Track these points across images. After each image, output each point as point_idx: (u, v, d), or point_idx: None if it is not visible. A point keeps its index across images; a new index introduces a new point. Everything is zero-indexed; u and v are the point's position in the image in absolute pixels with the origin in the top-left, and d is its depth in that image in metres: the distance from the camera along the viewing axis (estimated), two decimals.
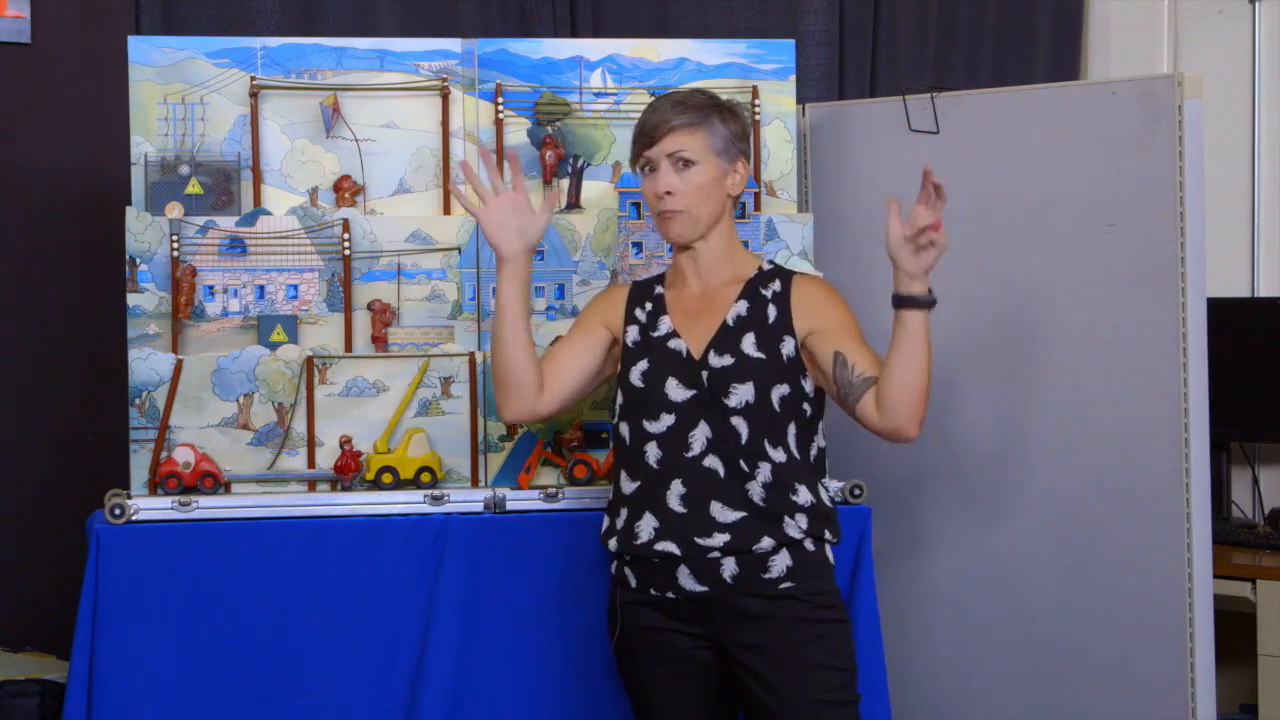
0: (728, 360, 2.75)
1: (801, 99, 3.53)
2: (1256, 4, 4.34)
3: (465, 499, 3.13)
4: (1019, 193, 3.32)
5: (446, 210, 3.24)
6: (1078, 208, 3.26)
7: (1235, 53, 4.36)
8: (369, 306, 3.20)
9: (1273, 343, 4.09)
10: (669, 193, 2.78)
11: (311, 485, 3.16)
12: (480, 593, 3.06)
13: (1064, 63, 4.49)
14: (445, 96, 3.25)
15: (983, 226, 3.35)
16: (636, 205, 3.27)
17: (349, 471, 3.13)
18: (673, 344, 2.80)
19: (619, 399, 2.84)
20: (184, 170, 3.17)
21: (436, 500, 3.12)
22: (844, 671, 2.74)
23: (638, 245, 3.27)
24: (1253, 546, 3.91)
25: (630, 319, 2.87)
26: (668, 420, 2.76)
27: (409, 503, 3.11)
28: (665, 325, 2.83)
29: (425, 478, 3.14)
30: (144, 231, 3.12)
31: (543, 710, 3.09)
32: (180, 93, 3.19)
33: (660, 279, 2.92)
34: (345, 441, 3.14)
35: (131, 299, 3.12)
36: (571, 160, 3.29)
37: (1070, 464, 3.27)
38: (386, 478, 3.12)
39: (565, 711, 3.10)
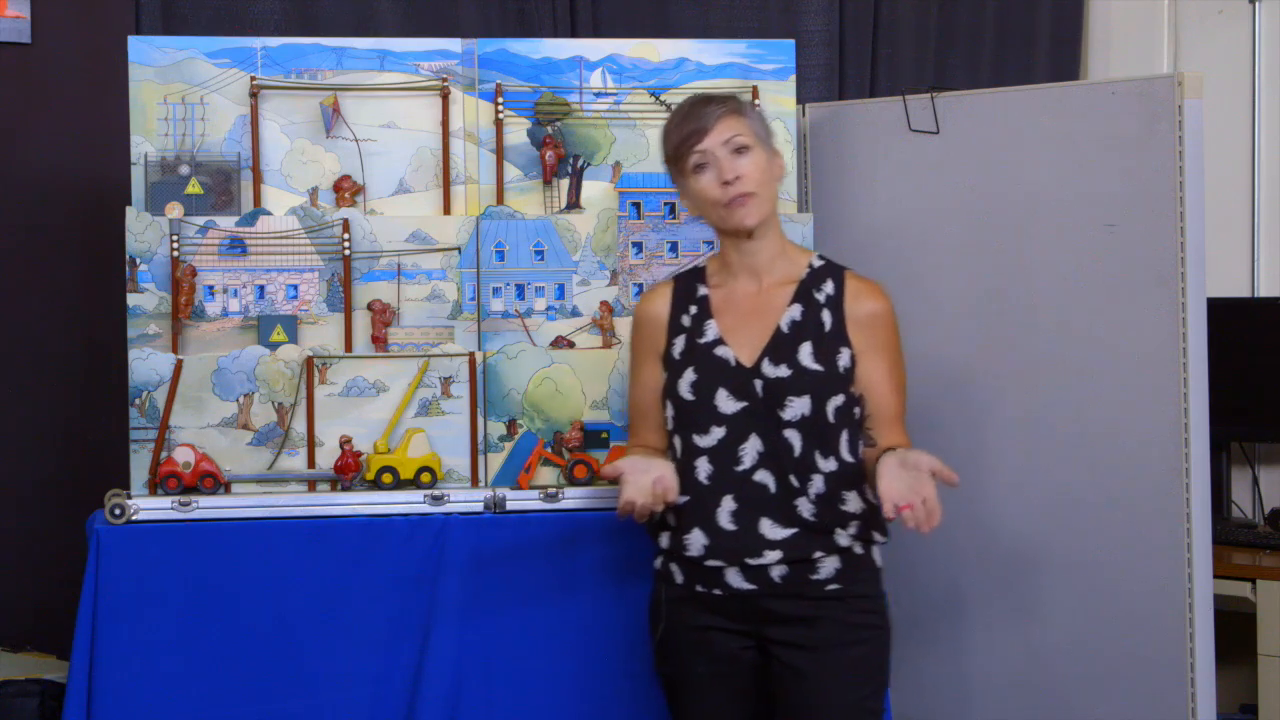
0: (784, 371, 2.70)
1: (801, 99, 3.53)
2: (1256, 4, 4.34)
3: (465, 499, 3.13)
4: (1019, 193, 3.32)
5: (447, 210, 3.24)
6: (1078, 208, 3.26)
7: (1235, 53, 4.36)
8: (369, 306, 3.20)
9: (1273, 343, 4.09)
10: (738, 177, 2.70)
11: (311, 485, 3.16)
12: (480, 593, 3.06)
13: (1064, 63, 4.49)
14: (445, 96, 3.25)
15: (983, 226, 3.35)
16: (637, 205, 3.27)
17: (349, 471, 3.13)
18: (719, 352, 2.74)
19: (669, 409, 2.78)
20: (184, 170, 3.17)
21: (436, 500, 3.12)
22: (880, 675, 2.75)
23: (638, 245, 3.27)
24: (1253, 546, 3.91)
25: (676, 328, 2.80)
26: (718, 433, 2.71)
27: (409, 503, 3.11)
28: (712, 331, 2.76)
29: (425, 478, 3.14)
30: (144, 231, 3.12)
31: (543, 710, 3.09)
32: (180, 93, 3.19)
33: (701, 275, 2.84)
34: (345, 441, 3.14)
35: (131, 299, 3.12)
36: (571, 160, 3.29)
37: (1070, 464, 3.27)
38: (386, 478, 3.12)
39: (565, 711, 3.10)
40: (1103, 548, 3.24)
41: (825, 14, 4.28)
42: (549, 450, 3.20)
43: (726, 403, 2.71)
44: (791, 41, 3.39)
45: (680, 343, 2.78)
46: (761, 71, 3.34)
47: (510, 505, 3.13)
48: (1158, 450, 3.17)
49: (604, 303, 3.26)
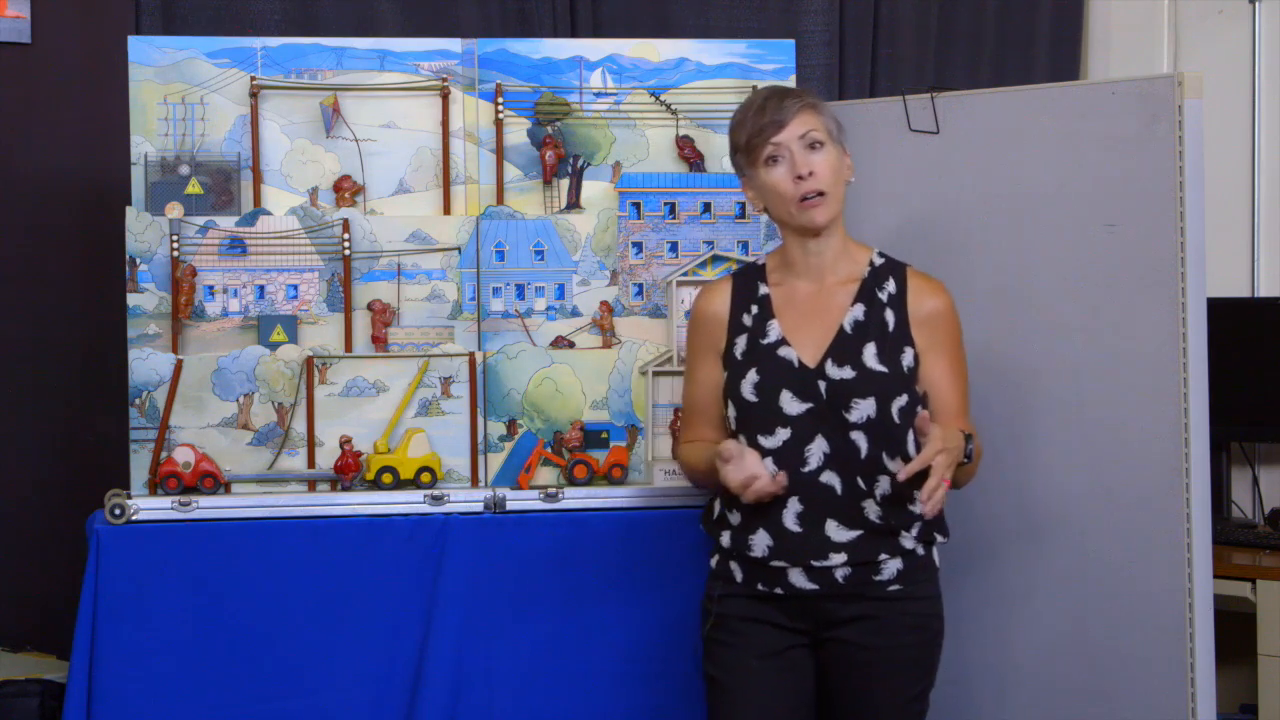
0: (848, 373, 2.69)
1: None
2: (1256, 4, 4.34)
3: (465, 499, 3.13)
4: (1019, 193, 3.32)
5: (446, 210, 3.24)
6: (1078, 208, 3.26)
7: (1235, 53, 4.36)
8: (369, 306, 3.20)
9: (1273, 343, 4.09)
10: (811, 173, 2.69)
11: (311, 485, 3.16)
12: (480, 593, 3.06)
13: (1064, 63, 4.49)
14: (445, 96, 3.25)
15: (983, 226, 3.35)
16: (637, 205, 3.27)
17: (349, 471, 3.13)
18: (782, 352, 2.73)
19: (730, 409, 2.76)
20: (184, 170, 3.18)
21: (436, 500, 3.12)
22: (931, 675, 2.76)
23: (638, 245, 3.27)
24: (1253, 546, 3.91)
25: (737, 327, 2.78)
26: (783, 435, 2.70)
27: (409, 503, 3.11)
28: (774, 331, 2.75)
29: (425, 478, 3.14)
30: (144, 231, 3.12)
31: (542, 709, 3.09)
32: (180, 93, 3.19)
33: (761, 272, 2.82)
34: (345, 441, 3.14)
35: (131, 299, 3.12)
36: (571, 160, 3.29)
37: (1070, 464, 3.27)
38: (386, 478, 3.12)
39: (565, 711, 3.10)
40: (1102, 547, 3.24)
41: (825, 14, 4.28)
42: (549, 450, 3.20)
43: (791, 404, 2.70)
44: (791, 41, 3.40)
45: (742, 343, 2.77)
46: (761, 71, 3.34)
47: (510, 505, 3.13)
48: (1158, 450, 3.17)
49: (604, 303, 3.27)
